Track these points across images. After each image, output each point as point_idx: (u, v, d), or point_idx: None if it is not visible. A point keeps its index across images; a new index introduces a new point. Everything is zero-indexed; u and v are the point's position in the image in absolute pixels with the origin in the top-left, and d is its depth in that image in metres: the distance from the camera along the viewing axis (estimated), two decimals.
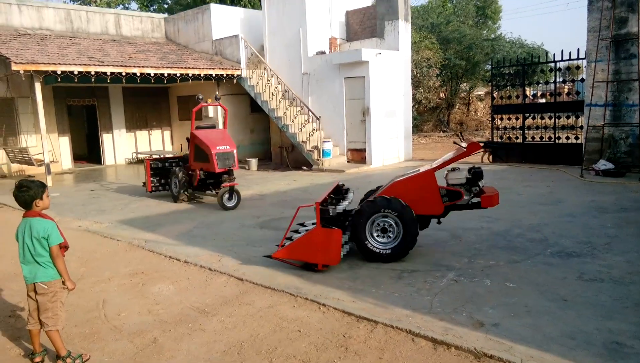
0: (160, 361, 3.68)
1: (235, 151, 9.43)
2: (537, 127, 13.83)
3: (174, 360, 3.68)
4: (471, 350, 3.59)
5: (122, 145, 17.97)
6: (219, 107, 16.61)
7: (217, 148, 9.20)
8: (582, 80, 12.83)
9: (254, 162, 15.47)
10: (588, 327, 3.90)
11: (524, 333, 3.82)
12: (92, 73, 13.17)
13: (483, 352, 3.54)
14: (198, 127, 9.93)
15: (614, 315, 4.09)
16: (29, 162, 13.61)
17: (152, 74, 14.26)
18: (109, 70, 13.40)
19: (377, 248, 5.61)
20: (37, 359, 3.70)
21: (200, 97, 9.71)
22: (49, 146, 13.67)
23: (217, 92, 10.52)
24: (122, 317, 4.51)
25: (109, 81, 13.82)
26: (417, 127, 26.01)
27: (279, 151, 16.62)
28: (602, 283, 4.82)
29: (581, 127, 12.75)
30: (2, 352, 3.92)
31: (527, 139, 13.91)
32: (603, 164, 11.25)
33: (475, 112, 30.35)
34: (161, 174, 10.77)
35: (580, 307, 4.27)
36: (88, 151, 19.52)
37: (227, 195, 9.17)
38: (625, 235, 6.41)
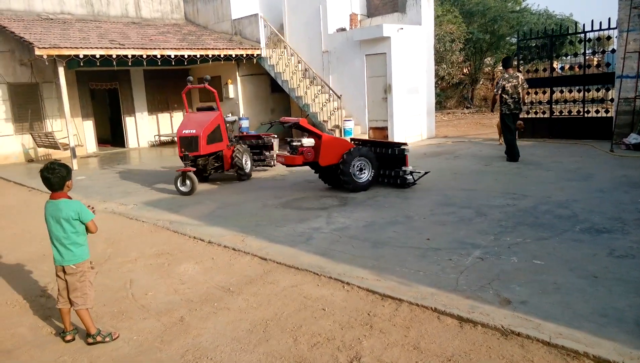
0: (187, 339, 3.73)
1: (200, 135, 8.98)
2: (566, 101, 13.42)
3: (201, 338, 3.73)
4: (498, 327, 3.53)
5: (144, 128, 18.14)
6: (239, 87, 16.70)
7: (183, 131, 9.13)
8: (613, 51, 12.35)
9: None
10: (619, 303, 3.80)
11: (553, 311, 3.74)
12: (114, 56, 13.25)
13: (510, 329, 3.48)
14: (198, 109, 10.22)
15: None
16: (55, 146, 13.86)
17: (173, 56, 14.28)
18: (130, 53, 13.46)
19: None
20: (68, 337, 3.79)
21: (190, 79, 9.74)
22: (73, 130, 13.88)
23: (206, 75, 10.35)
24: (149, 296, 4.58)
25: (130, 64, 13.90)
26: (440, 104, 25.56)
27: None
28: (634, 259, 4.68)
29: (611, 100, 12.32)
30: (34, 330, 4.03)
31: (554, 114, 13.52)
32: (634, 138, 10.87)
33: None
34: None
35: (611, 284, 4.16)
36: (112, 134, 19.77)
37: (179, 180, 8.96)
38: None
